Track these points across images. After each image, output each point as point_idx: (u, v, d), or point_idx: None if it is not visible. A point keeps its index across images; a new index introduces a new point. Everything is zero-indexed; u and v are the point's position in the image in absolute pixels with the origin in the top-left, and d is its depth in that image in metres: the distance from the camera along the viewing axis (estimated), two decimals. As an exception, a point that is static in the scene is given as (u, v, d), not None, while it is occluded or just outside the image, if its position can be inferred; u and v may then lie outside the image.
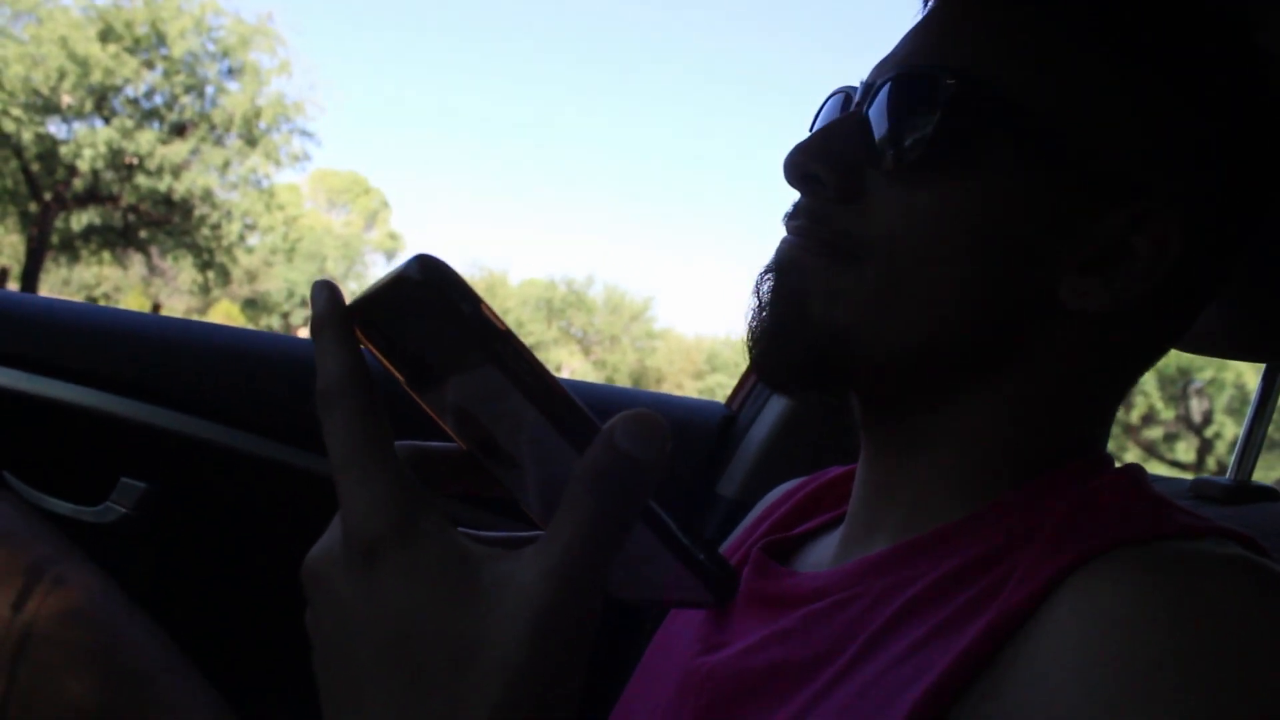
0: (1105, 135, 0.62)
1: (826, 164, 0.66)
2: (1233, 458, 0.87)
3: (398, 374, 0.46)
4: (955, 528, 0.64)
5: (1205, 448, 14.84)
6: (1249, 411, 0.88)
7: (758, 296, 0.69)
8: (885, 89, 0.65)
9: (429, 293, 0.40)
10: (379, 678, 0.41)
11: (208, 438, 1.32)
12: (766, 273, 0.69)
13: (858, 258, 0.64)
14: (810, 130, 0.73)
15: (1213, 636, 0.48)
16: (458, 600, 0.40)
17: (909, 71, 0.65)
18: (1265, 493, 0.84)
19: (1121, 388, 0.70)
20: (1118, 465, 0.68)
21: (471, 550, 0.41)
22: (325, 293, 0.45)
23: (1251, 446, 0.87)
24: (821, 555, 0.77)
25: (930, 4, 0.71)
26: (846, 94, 0.71)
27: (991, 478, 0.66)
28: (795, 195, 0.69)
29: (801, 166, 0.67)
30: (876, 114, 0.65)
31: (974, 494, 0.66)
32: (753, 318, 0.69)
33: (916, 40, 0.68)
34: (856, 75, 0.71)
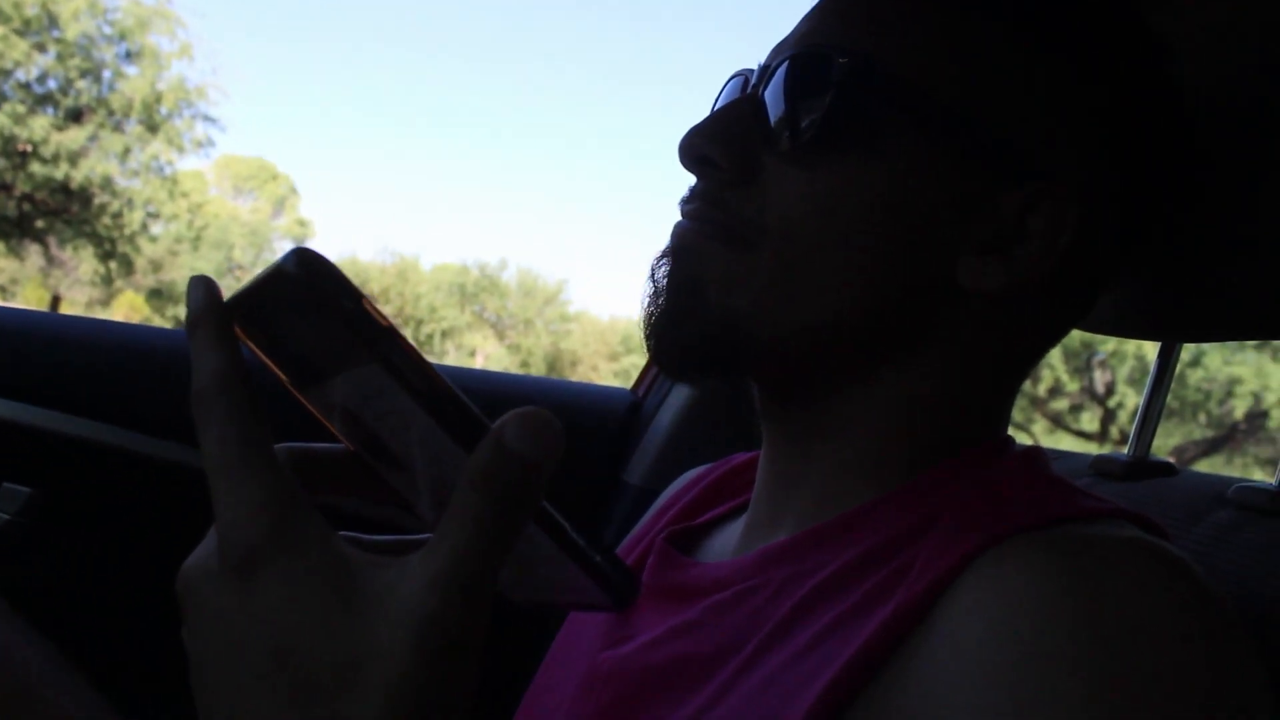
0: (1003, 116, 0.62)
1: (721, 146, 0.65)
2: (1131, 434, 0.88)
3: (280, 373, 0.44)
4: (857, 515, 0.64)
5: (1109, 417, 15.30)
6: (1146, 388, 0.90)
7: (653, 282, 0.68)
8: (781, 70, 0.64)
9: (307, 288, 0.38)
10: (259, 693, 0.39)
11: (94, 438, 1.27)
12: (662, 258, 0.67)
13: (753, 242, 0.63)
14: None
15: (1112, 621, 0.48)
16: (340, 611, 0.38)
17: (803, 52, 0.64)
18: (1163, 468, 0.85)
19: (1024, 369, 0.70)
20: (1019, 447, 0.68)
21: (355, 558, 0.40)
22: (201, 288, 0.43)
23: (1149, 422, 0.88)
24: (725, 544, 0.76)
25: None
26: (745, 77, 0.70)
27: (893, 464, 0.66)
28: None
29: (696, 149, 0.66)
30: (772, 96, 0.64)
31: (876, 481, 0.65)
32: (649, 304, 0.68)
33: (813, 21, 0.67)
34: (763, 56, 0.70)
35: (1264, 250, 0.72)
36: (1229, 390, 14.23)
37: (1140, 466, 0.85)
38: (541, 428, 0.39)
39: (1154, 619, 0.49)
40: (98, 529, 1.30)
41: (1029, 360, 0.70)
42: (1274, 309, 0.73)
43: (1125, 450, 0.90)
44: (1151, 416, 0.88)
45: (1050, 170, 0.62)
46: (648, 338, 0.68)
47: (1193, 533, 0.74)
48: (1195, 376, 13.97)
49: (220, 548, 0.40)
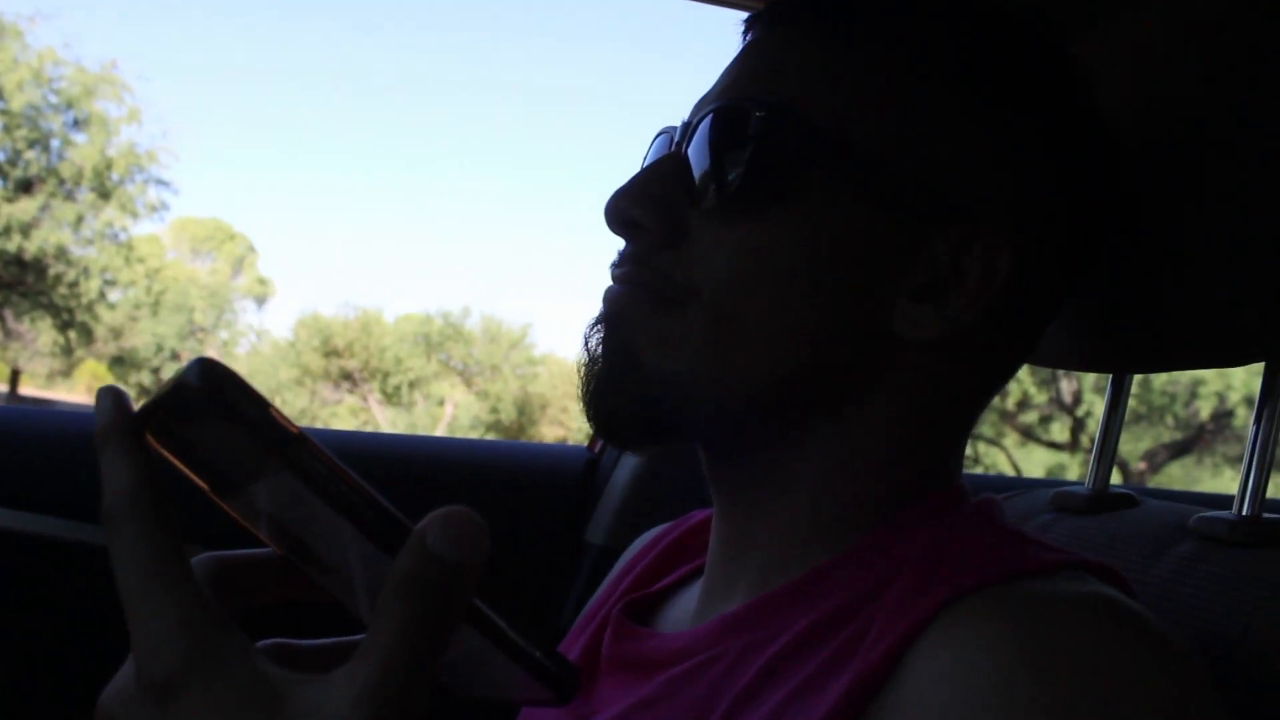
0: (926, 159, 0.61)
1: (646, 208, 0.64)
2: (1089, 467, 0.87)
3: (199, 481, 0.42)
4: (812, 578, 0.62)
5: (1078, 426, 15.42)
6: (1100, 419, 0.89)
7: (588, 350, 0.67)
8: (703, 125, 0.64)
9: (210, 399, 0.38)
10: None
11: (24, 529, 1.23)
12: (595, 324, 0.66)
13: (683, 303, 0.62)
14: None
15: (1069, 681, 0.47)
16: None
17: (723, 106, 0.63)
18: (1124, 500, 0.84)
19: (972, 414, 0.68)
20: (976, 497, 0.67)
21: (277, 676, 0.38)
22: (109, 400, 0.42)
23: (1106, 453, 0.87)
24: (683, 611, 0.75)
25: (747, 37, 0.69)
26: (670, 134, 0.69)
27: (845, 521, 0.64)
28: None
29: (622, 212, 0.65)
30: (695, 152, 0.64)
31: (829, 540, 0.64)
32: (585, 371, 0.66)
33: (731, 75, 0.66)
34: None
35: (1202, 277, 0.72)
36: (1193, 392, 14.40)
37: (1101, 499, 0.84)
38: (465, 527, 0.38)
39: (1114, 678, 0.48)
40: (37, 622, 1.26)
41: (976, 404, 0.69)
42: (1218, 337, 0.73)
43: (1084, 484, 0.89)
44: (1108, 448, 0.87)
45: (980, 211, 0.62)
46: (586, 406, 0.67)
47: (1156, 567, 0.73)
48: (1160, 380, 14.14)
49: (137, 674, 0.38)
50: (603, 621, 0.78)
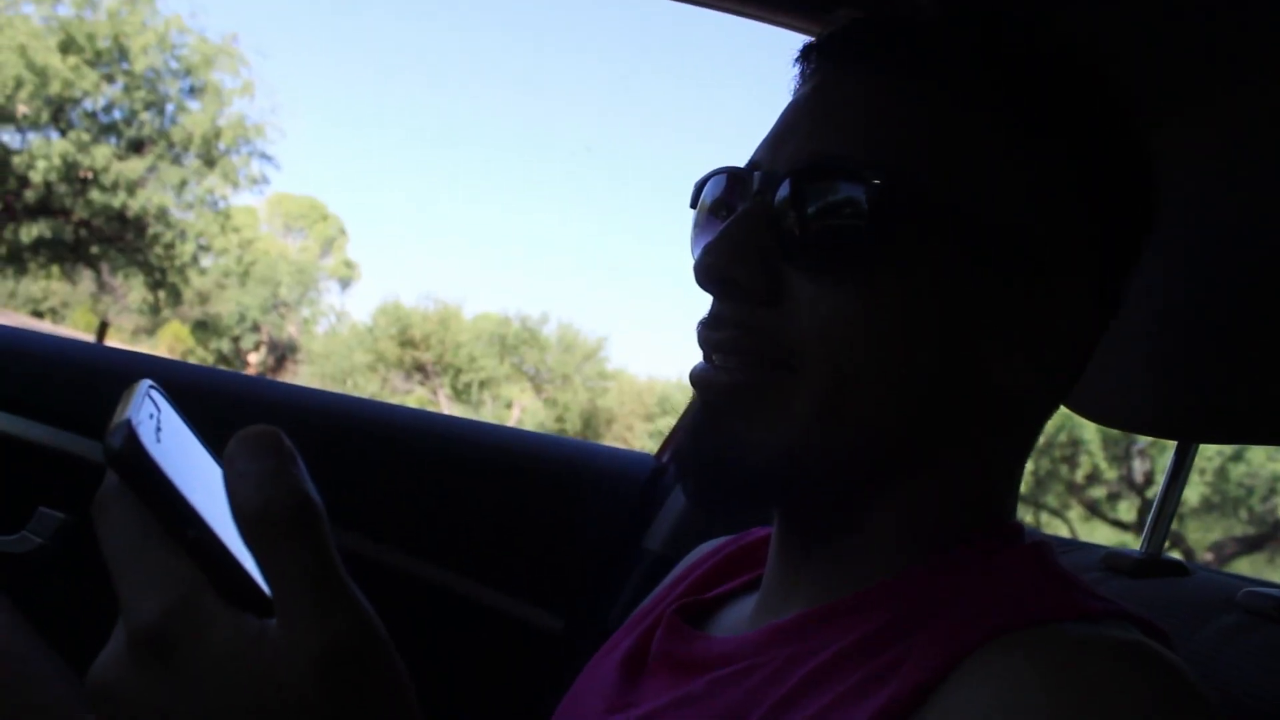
0: (1020, 213, 0.63)
1: (743, 265, 0.63)
2: (1145, 530, 0.88)
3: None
4: (862, 598, 0.64)
5: (1146, 507, 15.02)
6: (1161, 486, 0.90)
7: (692, 422, 0.67)
8: (793, 180, 0.62)
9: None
10: None
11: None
12: (698, 396, 0.67)
13: (792, 367, 0.62)
14: (694, 216, 0.71)
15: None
16: (258, 675, 0.40)
17: (823, 163, 0.62)
18: (1174, 567, 0.85)
19: (1028, 454, 0.70)
20: (1030, 537, 0.68)
21: (256, 627, 0.41)
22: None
23: (1163, 520, 0.88)
24: (737, 619, 0.77)
25: (810, 77, 0.68)
26: (735, 175, 0.68)
27: (902, 551, 0.66)
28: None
29: (716, 270, 0.63)
30: (788, 205, 0.62)
31: (884, 565, 0.66)
32: (686, 443, 0.66)
33: (814, 120, 0.65)
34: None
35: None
36: (1273, 488, 13.95)
37: (1151, 564, 0.85)
38: (257, 440, 0.41)
39: None
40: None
41: (1033, 441, 0.70)
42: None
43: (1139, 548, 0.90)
44: (1165, 513, 0.88)
45: (1067, 261, 0.63)
46: (685, 480, 0.67)
47: (1198, 635, 0.74)
48: (1237, 471, 13.72)
49: (131, 638, 0.40)
50: (655, 621, 0.80)
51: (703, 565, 0.87)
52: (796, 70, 0.70)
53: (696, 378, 0.66)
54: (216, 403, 1.33)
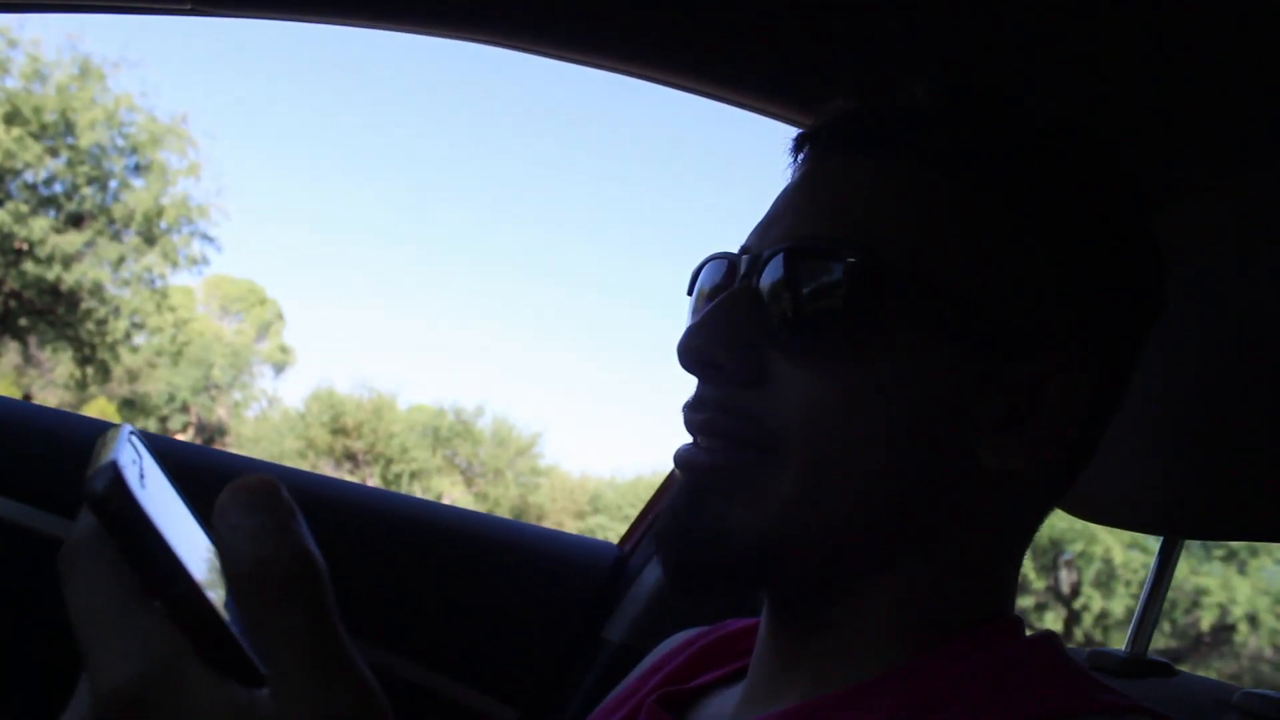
0: (1009, 292, 0.62)
1: (725, 348, 0.62)
2: (1130, 629, 0.87)
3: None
4: (861, 691, 0.62)
5: (1073, 618, 15.13)
6: (1146, 583, 0.89)
7: (673, 503, 0.65)
8: (777, 261, 0.62)
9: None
10: None
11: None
12: (681, 476, 0.65)
13: (773, 448, 0.61)
14: (691, 301, 0.70)
15: None
16: None
17: (805, 244, 0.62)
18: (1161, 668, 0.83)
19: (1026, 541, 0.69)
20: (1036, 631, 0.66)
21: (240, 694, 0.37)
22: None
23: (1148, 618, 0.87)
24: (718, 711, 0.74)
25: (802, 164, 0.69)
26: (728, 261, 0.68)
27: (902, 642, 0.64)
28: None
29: (699, 352, 0.63)
30: (771, 288, 0.62)
31: (884, 659, 0.63)
32: (667, 523, 0.65)
33: (802, 205, 0.65)
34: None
35: (1271, 446, 0.73)
36: (1195, 600, 14.15)
37: (1138, 664, 0.84)
38: (253, 491, 0.36)
39: None
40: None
41: (1030, 536, 0.69)
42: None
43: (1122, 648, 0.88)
44: (1152, 611, 0.87)
45: (1058, 341, 0.62)
46: (665, 559, 0.65)
47: (1197, 738, 0.72)
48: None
49: (100, 703, 0.35)
50: (631, 711, 0.77)
51: (679, 655, 0.84)
52: (790, 160, 0.71)
53: (680, 458, 0.65)
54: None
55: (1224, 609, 14.11)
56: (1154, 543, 0.89)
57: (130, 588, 0.36)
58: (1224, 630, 14.45)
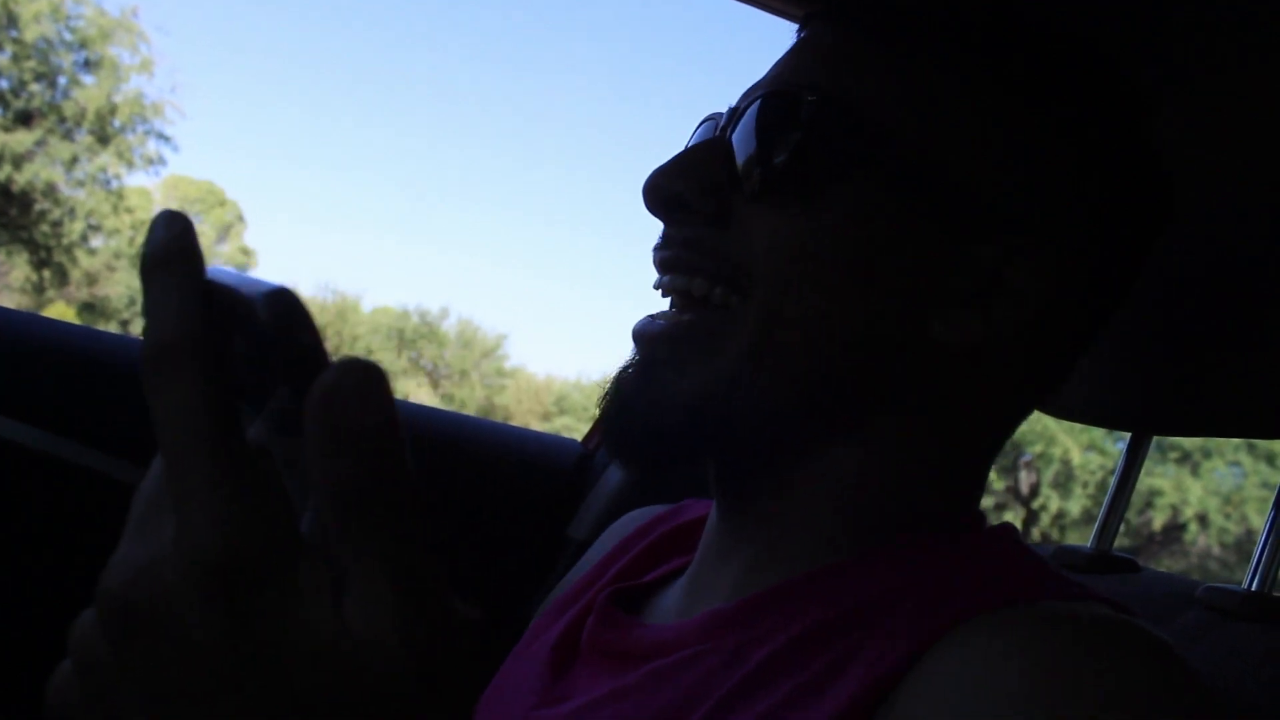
0: (977, 166, 0.61)
1: (692, 183, 0.63)
2: (1096, 525, 0.87)
3: None
4: (812, 581, 0.61)
5: (1031, 518, 15.50)
6: (1113, 480, 0.88)
7: (619, 385, 0.65)
8: (751, 110, 0.63)
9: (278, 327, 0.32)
10: None
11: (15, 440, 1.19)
12: (635, 353, 0.65)
13: (740, 286, 0.61)
14: None
15: (1092, 702, 0.46)
16: (343, 652, 0.31)
17: (774, 91, 0.62)
18: (1126, 564, 0.84)
19: (994, 441, 0.67)
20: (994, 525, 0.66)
21: (336, 601, 0.32)
22: (178, 226, 0.35)
23: (1115, 515, 0.87)
24: (670, 604, 0.73)
25: (803, 31, 0.69)
26: (715, 121, 0.68)
27: (855, 531, 0.63)
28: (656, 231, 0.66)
29: (663, 189, 0.63)
30: (741, 137, 0.63)
31: (835, 547, 0.63)
32: (612, 406, 0.64)
33: (785, 64, 0.66)
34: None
35: (1243, 341, 0.72)
36: (1149, 501, 14.53)
37: (1103, 560, 0.84)
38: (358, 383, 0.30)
39: (1141, 702, 0.46)
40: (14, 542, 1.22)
41: (998, 431, 0.67)
42: (1250, 405, 0.72)
43: (1088, 542, 0.88)
44: (1118, 508, 0.87)
45: (1026, 221, 0.61)
46: (605, 424, 0.65)
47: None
48: (1117, 485, 14.21)
49: (195, 553, 0.30)
50: (586, 606, 0.76)
51: (636, 544, 0.83)
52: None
53: (636, 330, 0.65)
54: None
55: (1175, 509, 14.52)
56: (1112, 446, 0.88)
57: (232, 420, 0.32)
58: (1175, 529, 14.89)
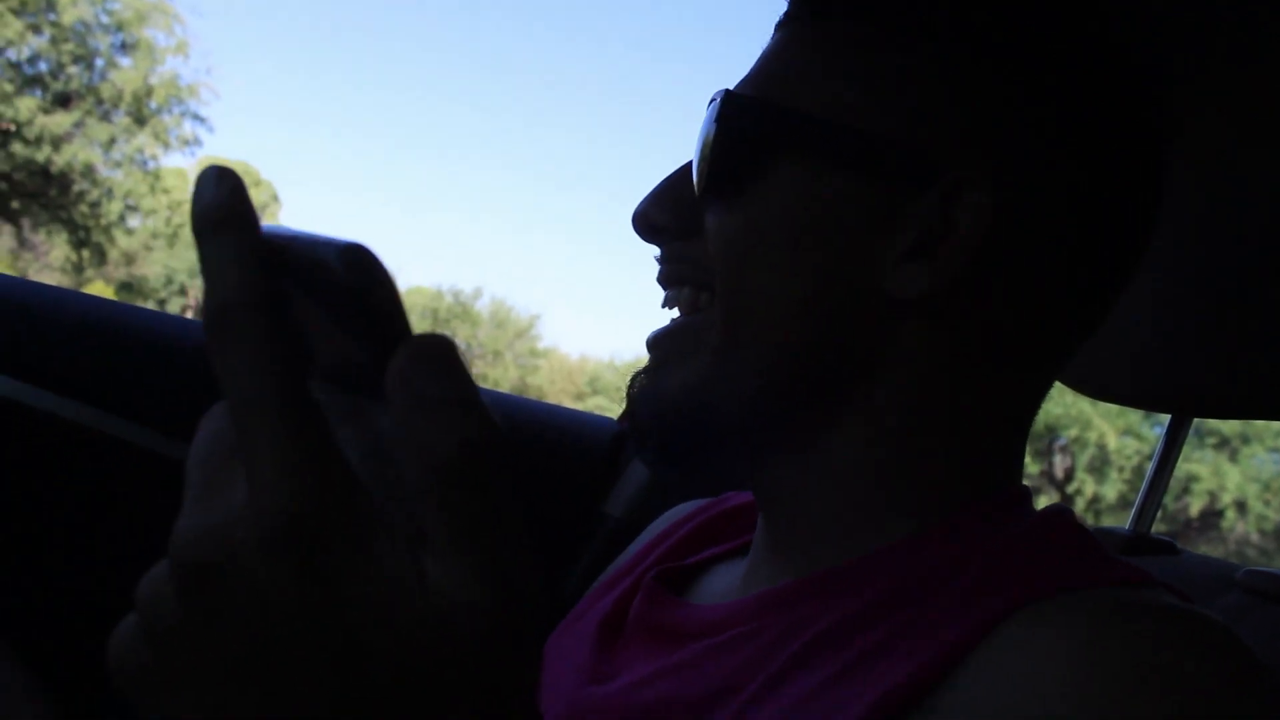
0: (903, 118, 0.60)
1: (665, 209, 0.67)
2: (1135, 507, 0.86)
3: None
4: (859, 565, 0.61)
5: (1066, 502, 15.35)
6: (1153, 463, 0.88)
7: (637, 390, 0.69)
8: (710, 125, 0.65)
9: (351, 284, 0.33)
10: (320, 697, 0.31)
11: (60, 414, 1.22)
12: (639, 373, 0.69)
13: (711, 286, 0.64)
14: None
15: (1151, 695, 0.45)
16: (420, 609, 0.31)
17: (722, 105, 0.65)
18: (1164, 546, 0.83)
19: (1002, 406, 0.65)
20: (1051, 507, 0.65)
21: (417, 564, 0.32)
22: (228, 183, 0.34)
23: (1153, 497, 0.86)
24: (718, 586, 0.74)
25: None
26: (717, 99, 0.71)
27: (893, 512, 0.62)
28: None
29: (642, 218, 0.68)
30: (695, 152, 0.66)
31: (879, 530, 0.62)
32: (630, 403, 0.69)
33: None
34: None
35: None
36: (1186, 487, 14.38)
37: (1142, 542, 0.84)
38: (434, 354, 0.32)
39: (1210, 694, 0.45)
40: (57, 516, 1.25)
41: (1004, 396, 0.64)
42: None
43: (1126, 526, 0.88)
44: (1157, 490, 0.86)
45: (964, 162, 0.59)
46: (636, 446, 0.69)
47: (1199, 614, 0.72)
48: (1153, 470, 14.06)
49: (256, 518, 0.30)
50: (632, 585, 0.77)
51: (679, 530, 0.84)
52: None
53: (647, 342, 0.69)
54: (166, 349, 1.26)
55: (1213, 495, 14.36)
56: (1149, 431, 0.88)
57: (299, 378, 0.32)
58: (1212, 515, 14.72)
